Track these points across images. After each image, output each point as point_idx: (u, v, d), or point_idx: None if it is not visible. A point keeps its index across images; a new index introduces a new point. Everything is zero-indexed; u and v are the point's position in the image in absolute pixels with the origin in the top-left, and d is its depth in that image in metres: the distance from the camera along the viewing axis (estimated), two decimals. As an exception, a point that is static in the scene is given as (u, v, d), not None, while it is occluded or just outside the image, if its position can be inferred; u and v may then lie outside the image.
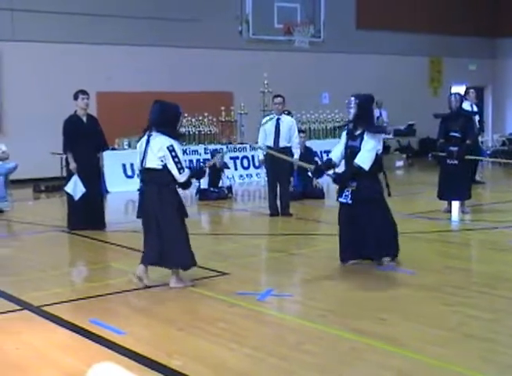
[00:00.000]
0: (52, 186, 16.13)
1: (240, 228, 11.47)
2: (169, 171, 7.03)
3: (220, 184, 14.43)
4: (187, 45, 19.72)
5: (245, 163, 17.67)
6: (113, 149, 16.32)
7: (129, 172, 15.83)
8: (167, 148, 6.98)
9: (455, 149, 11.35)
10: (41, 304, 6.59)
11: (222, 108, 17.96)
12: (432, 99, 24.25)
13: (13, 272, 8.20)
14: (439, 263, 8.36)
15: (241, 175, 17.39)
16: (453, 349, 5.26)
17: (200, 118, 17.54)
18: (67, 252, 9.41)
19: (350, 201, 7.69)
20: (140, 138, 7.29)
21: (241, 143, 17.84)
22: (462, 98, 11.88)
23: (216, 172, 14.41)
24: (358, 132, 7.82)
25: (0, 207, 12.90)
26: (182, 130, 17.20)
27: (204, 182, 14.21)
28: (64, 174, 16.26)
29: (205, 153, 16.93)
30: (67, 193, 10.72)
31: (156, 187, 7.05)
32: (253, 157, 17.43)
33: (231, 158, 17.21)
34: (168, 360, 5.07)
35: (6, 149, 14.43)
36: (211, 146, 17.02)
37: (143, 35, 19.18)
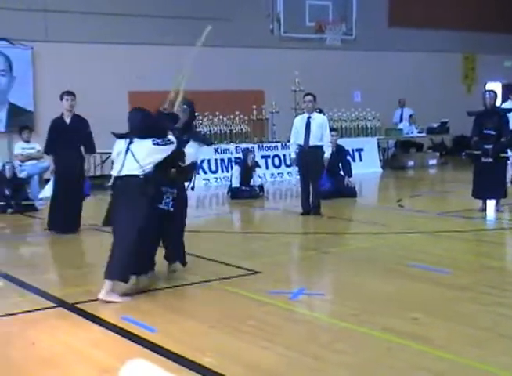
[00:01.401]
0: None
1: (272, 226, 11.45)
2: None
3: (251, 183, 14.43)
4: (218, 44, 19.66)
5: (276, 162, 17.65)
6: (146, 148, 16.40)
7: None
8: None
9: (489, 147, 11.23)
10: (74, 301, 6.64)
11: (254, 107, 17.97)
12: (466, 97, 24.02)
13: (47, 270, 8.29)
14: (474, 262, 8.27)
15: (272, 174, 17.38)
16: (488, 349, 5.19)
17: (232, 117, 17.55)
18: (100, 250, 9.41)
19: None
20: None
21: (272, 142, 17.83)
22: (496, 95, 11.75)
23: (248, 171, 14.41)
24: None
25: (34, 206, 13.02)
26: (214, 128, 17.24)
27: (236, 181, 14.23)
28: (97, 173, 16.54)
29: (236, 152, 16.93)
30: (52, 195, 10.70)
31: None
32: (284, 155, 17.40)
33: (262, 157, 17.19)
34: (200, 358, 5.06)
35: (40, 148, 14.59)
36: (243, 145, 17.02)
37: (174, 35, 19.21)
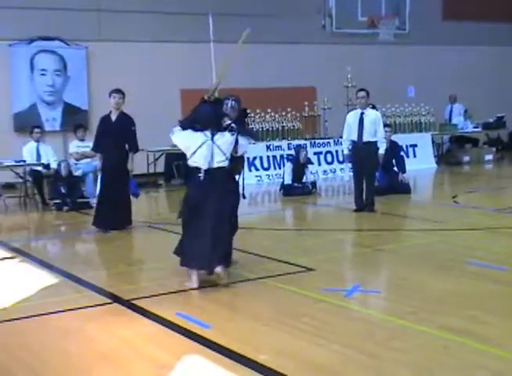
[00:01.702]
0: (139, 182, 16.40)
1: (325, 223, 11.39)
2: None
3: (304, 179, 14.37)
4: (270, 41, 19.70)
5: (329, 158, 17.55)
6: (198, 145, 16.48)
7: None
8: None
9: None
10: (130, 297, 6.70)
11: (305, 103, 17.91)
12: (522, 91, 23.57)
13: (103, 267, 8.39)
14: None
15: (325, 171, 17.29)
16: (549, 348, 5.07)
17: (283, 114, 17.51)
18: (154, 247, 9.52)
19: None
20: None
21: (325, 138, 17.75)
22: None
23: (300, 168, 14.37)
24: None
25: (90, 203, 13.19)
26: (266, 125, 17.23)
27: (288, 178, 14.20)
28: (151, 170, 16.69)
29: (288, 148, 16.89)
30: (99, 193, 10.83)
31: None
32: (337, 151, 17.30)
33: (314, 153, 17.12)
34: (254, 354, 5.05)
35: (95, 146, 14.77)
36: (295, 142, 16.98)
37: (226, 32, 19.22)
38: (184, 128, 7.22)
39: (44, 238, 10.88)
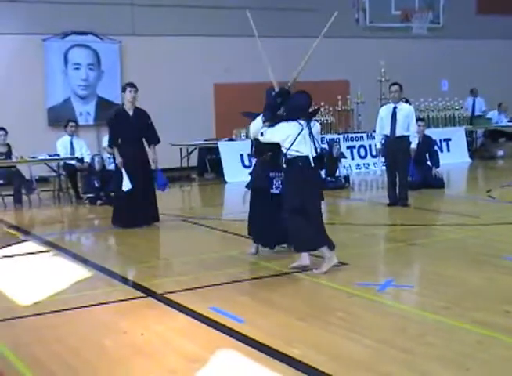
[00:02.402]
0: (172, 176, 16.49)
1: (358, 217, 11.36)
2: None
3: (337, 173, 14.33)
4: (303, 35, 19.59)
5: (362, 152, 17.47)
6: (231, 140, 16.52)
7: (246, 162, 15.93)
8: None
9: None
10: (163, 291, 6.74)
11: (339, 97, 17.84)
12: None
13: (136, 260, 8.43)
14: None
15: (358, 165, 17.22)
16: None
17: (317, 107, 17.44)
18: (188, 241, 9.56)
19: None
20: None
21: (358, 132, 17.67)
22: None
23: (333, 162, 14.32)
24: None
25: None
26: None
27: (321, 172, 14.14)
28: (184, 164, 16.75)
29: (322, 142, 16.82)
30: (116, 190, 10.62)
31: None
32: (370, 146, 17.23)
33: (348, 148, 17.06)
34: (288, 349, 5.06)
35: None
36: (328, 136, 16.92)
37: (259, 26, 19.20)
38: (273, 122, 7.35)
39: (77, 232, 10.99)
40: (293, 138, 7.20)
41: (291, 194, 7.32)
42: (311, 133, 7.29)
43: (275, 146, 7.47)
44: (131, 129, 10.32)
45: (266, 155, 7.81)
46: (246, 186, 8.47)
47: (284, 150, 7.28)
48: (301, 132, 7.23)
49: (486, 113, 20.66)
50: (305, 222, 7.28)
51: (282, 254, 8.13)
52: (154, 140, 10.61)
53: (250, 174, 8.34)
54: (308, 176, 7.31)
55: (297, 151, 7.22)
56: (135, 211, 10.29)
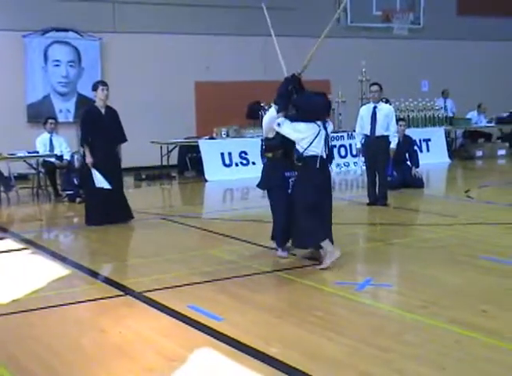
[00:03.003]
0: (153, 174, 16.47)
1: (338, 217, 11.30)
2: None
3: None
4: (283, 34, 19.56)
5: (342, 151, 17.52)
6: (212, 138, 16.50)
7: (227, 161, 15.93)
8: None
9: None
10: (142, 290, 6.72)
11: (319, 96, 17.84)
12: (536, 86, 23.42)
13: (115, 259, 8.40)
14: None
15: (338, 164, 17.25)
16: (561, 344, 5.06)
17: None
18: (167, 239, 9.54)
19: None
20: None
21: (338, 132, 17.71)
22: None
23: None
24: None
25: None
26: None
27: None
28: (164, 163, 16.70)
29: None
30: (87, 189, 10.62)
31: None
32: (350, 145, 17.27)
33: (328, 147, 17.07)
34: (266, 347, 5.07)
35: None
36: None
37: (241, 25, 19.26)
38: (292, 120, 7.43)
39: (56, 230, 10.92)
40: (311, 139, 7.36)
41: (305, 192, 7.45)
42: (326, 133, 7.50)
43: (287, 143, 7.58)
44: (103, 127, 10.30)
45: (277, 152, 7.84)
46: (258, 186, 8.31)
47: (301, 149, 7.41)
48: (318, 133, 7.40)
49: (455, 114, 20.76)
50: (319, 219, 7.49)
51: (261, 253, 8.14)
52: (123, 139, 10.68)
53: (262, 174, 8.25)
54: (321, 174, 7.52)
55: (313, 151, 7.39)
56: (109, 209, 10.30)
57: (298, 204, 7.50)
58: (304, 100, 7.60)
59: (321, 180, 7.56)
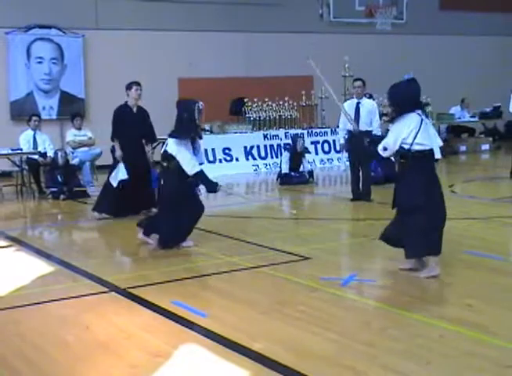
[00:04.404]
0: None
1: (322, 212, 11.40)
2: None
3: (301, 168, 14.38)
4: (267, 30, 19.66)
5: (326, 147, 17.54)
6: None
7: (211, 157, 15.89)
8: None
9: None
10: (127, 286, 6.71)
11: (303, 92, 17.88)
12: (519, 81, 23.54)
13: (100, 256, 8.39)
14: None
15: (322, 160, 17.28)
16: (544, 337, 5.10)
17: (281, 103, 17.49)
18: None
19: None
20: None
21: (322, 128, 17.74)
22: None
23: (297, 157, 14.37)
24: None
25: (86, 192, 13.18)
26: (263, 114, 17.20)
27: (285, 167, 14.20)
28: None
29: (286, 137, 16.88)
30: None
31: None
32: (334, 141, 17.29)
33: (311, 143, 17.11)
34: (250, 343, 5.07)
35: (92, 135, 14.78)
36: (292, 131, 16.96)
37: (224, 21, 19.22)
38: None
39: (40, 227, 10.88)
40: (415, 131, 6.63)
41: (414, 191, 6.68)
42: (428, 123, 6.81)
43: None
44: (133, 125, 10.55)
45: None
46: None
47: (407, 146, 6.66)
48: (421, 124, 6.67)
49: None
50: (427, 223, 6.65)
51: (246, 249, 8.14)
52: (153, 139, 11.03)
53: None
54: (431, 170, 6.85)
55: (421, 144, 6.68)
56: (125, 203, 10.47)
57: (405, 205, 6.78)
58: (401, 91, 6.82)
59: (430, 177, 6.81)
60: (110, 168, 10.81)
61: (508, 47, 24.34)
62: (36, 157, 13.85)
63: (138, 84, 10.70)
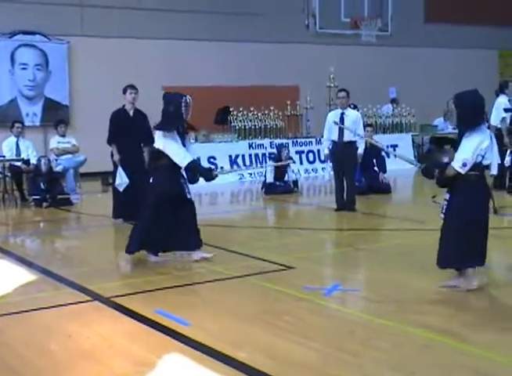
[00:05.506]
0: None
1: (306, 222, 11.41)
2: None
3: (285, 178, 14.40)
4: (253, 40, 19.72)
5: (310, 157, 17.60)
6: (180, 143, 16.47)
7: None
8: None
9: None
10: (110, 295, 6.66)
11: (288, 102, 17.93)
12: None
13: (84, 264, 8.33)
14: (511, 259, 8.17)
15: (306, 169, 17.33)
16: (528, 348, 5.11)
17: (266, 112, 17.53)
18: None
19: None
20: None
21: (307, 137, 17.79)
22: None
23: (282, 166, 14.38)
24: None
25: (70, 200, 13.12)
26: (249, 124, 17.21)
27: (270, 176, 14.21)
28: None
29: (271, 147, 16.91)
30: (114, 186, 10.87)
31: None
32: (318, 151, 17.35)
33: (296, 152, 17.16)
34: (235, 352, 5.05)
35: (76, 142, 14.73)
36: (277, 141, 16.99)
37: (210, 30, 19.26)
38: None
39: (22, 235, 10.80)
40: (488, 145, 6.46)
41: (470, 204, 6.50)
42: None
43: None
44: (130, 129, 10.67)
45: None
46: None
47: (478, 160, 6.48)
48: (491, 138, 6.50)
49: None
50: (480, 237, 6.54)
51: (230, 258, 8.13)
52: (150, 141, 10.77)
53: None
54: (485, 184, 6.66)
55: (487, 159, 6.53)
56: (132, 206, 10.33)
57: (461, 217, 6.52)
58: (469, 101, 6.56)
59: (485, 191, 6.64)
60: (113, 174, 10.95)
61: (491, 60, 24.58)
62: (19, 164, 13.79)
63: (132, 87, 10.82)
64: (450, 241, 6.57)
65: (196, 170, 7.89)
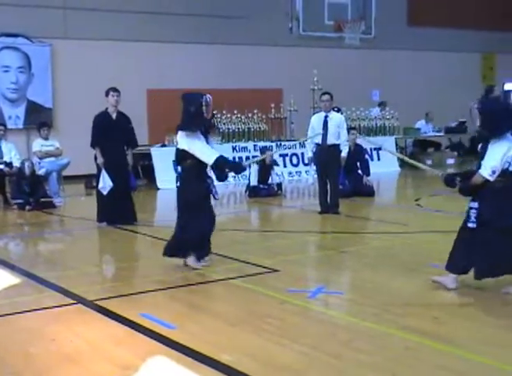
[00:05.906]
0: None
1: (290, 225, 11.43)
2: None
3: (269, 181, 14.42)
4: (237, 42, 19.74)
5: (294, 160, 17.63)
6: (164, 146, 16.45)
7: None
8: None
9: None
10: (93, 298, 6.65)
11: (272, 105, 17.97)
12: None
13: (67, 267, 8.31)
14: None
15: (290, 172, 17.36)
16: (510, 349, 5.14)
17: (250, 115, 17.55)
18: (119, 247, 9.48)
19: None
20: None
21: (290, 140, 17.82)
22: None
23: (266, 169, 14.40)
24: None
25: (53, 203, 13.08)
26: (233, 126, 17.23)
27: (254, 179, 14.23)
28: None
29: (254, 150, 16.93)
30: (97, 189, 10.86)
31: None
32: (302, 154, 17.38)
33: (280, 155, 17.19)
34: (219, 355, 5.06)
35: (59, 145, 14.67)
36: (261, 143, 17.02)
37: (193, 33, 19.26)
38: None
39: (5, 238, 10.75)
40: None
41: (502, 212, 6.50)
42: None
43: None
44: (113, 131, 10.66)
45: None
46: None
47: (505, 166, 6.45)
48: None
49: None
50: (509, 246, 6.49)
51: (214, 261, 8.12)
52: (133, 144, 11.14)
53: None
54: None
55: None
56: (114, 210, 10.67)
57: (495, 224, 6.48)
58: (493, 108, 6.62)
59: None
60: (96, 177, 10.91)
61: (474, 63, 24.74)
62: (1, 167, 13.73)
63: (115, 90, 10.79)
64: (490, 250, 6.49)
65: (225, 165, 7.75)
